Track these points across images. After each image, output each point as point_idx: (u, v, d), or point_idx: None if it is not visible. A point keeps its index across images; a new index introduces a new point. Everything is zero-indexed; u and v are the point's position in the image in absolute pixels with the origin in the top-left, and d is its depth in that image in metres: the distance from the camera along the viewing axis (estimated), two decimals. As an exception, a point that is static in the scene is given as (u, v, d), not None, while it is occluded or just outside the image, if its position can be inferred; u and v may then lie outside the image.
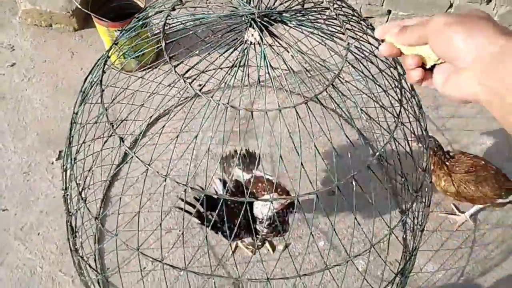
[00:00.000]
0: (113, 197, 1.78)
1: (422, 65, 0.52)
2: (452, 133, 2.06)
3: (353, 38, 0.90)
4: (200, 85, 1.91)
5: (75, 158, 1.18)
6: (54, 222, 1.72)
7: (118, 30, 2.02)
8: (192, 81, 0.86)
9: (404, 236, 1.70)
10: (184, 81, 0.79)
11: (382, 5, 2.41)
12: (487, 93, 0.44)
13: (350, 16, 1.01)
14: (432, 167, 1.55)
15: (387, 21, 2.46)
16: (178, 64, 0.83)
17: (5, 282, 1.57)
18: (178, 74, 0.80)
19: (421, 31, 0.49)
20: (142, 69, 2.02)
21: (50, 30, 2.45)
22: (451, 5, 2.31)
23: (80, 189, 1.00)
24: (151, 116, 1.94)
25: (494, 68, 0.43)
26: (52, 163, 1.89)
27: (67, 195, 1.10)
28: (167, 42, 0.84)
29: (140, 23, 0.98)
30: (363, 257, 1.66)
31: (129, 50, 1.76)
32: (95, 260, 1.54)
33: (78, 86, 1.20)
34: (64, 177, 1.15)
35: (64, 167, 1.13)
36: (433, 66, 0.51)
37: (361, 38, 0.92)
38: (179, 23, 0.94)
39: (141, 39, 1.31)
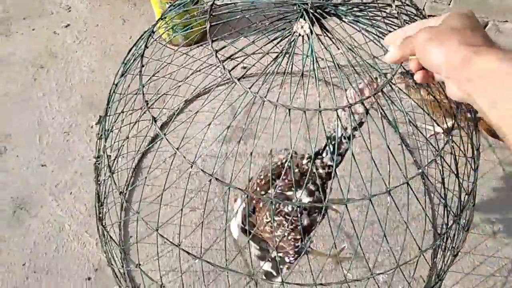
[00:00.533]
0: (144, 168, 1.81)
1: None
2: (504, 152, 1.90)
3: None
4: (244, 67, 1.86)
5: (111, 128, 1.19)
6: (86, 184, 1.77)
7: (170, 2, 2.00)
8: (234, 67, 0.82)
9: (434, 254, 1.61)
10: (224, 67, 0.75)
11: (449, 4, 2.23)
12: (467, 96, 0.49)
13: (413, 16, 0.92)
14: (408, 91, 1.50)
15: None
16: (220, 49, 0.79)
17: (36, 233, 1.66)
18: (219, 59, 0.77)
19: (411, 46, 0.55)
20: (188, 45, 2.01)
21: (105, -6, 2.49)
22: (526, 12, 2.10)
23: (110, 161, 1.00)
24: (191, 93, 1.94)
25: (464, 75, 0.48)
26: (92, 126, 1.95)
27: (99, 163, 1.11)
28: (212, 24, 0.80)
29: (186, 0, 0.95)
30: (385, 268, 1.59)
31: (178, 25, 1.75)
32: (119, 229, 1.58)
33: (125, 54, 1.20)
34: (98, 145, 1.17)
35: (100, 135, 1.14)
36: None
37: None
38: (229, 3, 0.90)
39: (190, 16, 1.29)
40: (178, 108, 0.95)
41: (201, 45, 1.02)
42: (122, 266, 1.28)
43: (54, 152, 1.88)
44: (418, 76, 0.59)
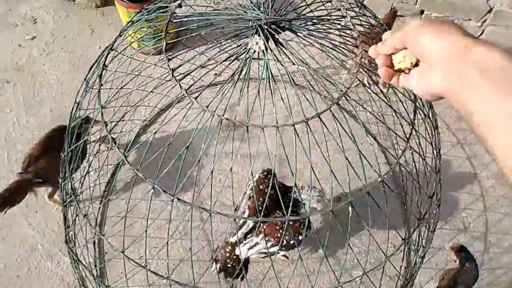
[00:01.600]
0: (118, 181, 1.78)
1: (397, 70, 0.60)
2: (473, 148, 1.95)
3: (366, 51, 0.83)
4: (216, 74, 1.86)
5: (81, 144, 1.17)
6: (60, 200, 1.74)
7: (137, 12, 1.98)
8: (192, 85, 0.81)
9: (407, 251, 1.64)
10: (180, 86, 0.75)
11: (416, 4, 2.27)
12: (450, 87, 0.49)
13: (368, 27, 0.94)
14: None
15: (417, 22, 2.33)
16: (177, 67, 0.79)
17: (7, 256, 1.61)
18: (175, 78, 0.76)
19: (399, 36, 0.56)
20: (159, 53, 1.99)
21: (72, 5, 2.44)
22: (490, 10, 2.16)
23: (73, 183, 0.98)
24: (151, 110, 1.92)
25: (456, 65, 0.48)
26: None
27: (64, 184, 1.09)
28: (168, 42, 0.80)
29: (145, 17, 0.94)
30: (361, 268, 1.61)
31: (147, 34, 1.72)
32: (94, 247, 1.55)
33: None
34: (63, 165, 1.14)
35: (64, 155, 1.12)
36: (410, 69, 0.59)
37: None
38: (186, 18, 0.89)
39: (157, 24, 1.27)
40: (137, 131, 0.93)
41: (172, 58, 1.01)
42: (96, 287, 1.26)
43: (23, 169, 1.83)
44: (381, 71, 0.60)
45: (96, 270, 1.39)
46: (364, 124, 0.80)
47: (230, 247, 1.23)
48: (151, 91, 0.82)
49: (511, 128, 0.43)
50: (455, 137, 2.00)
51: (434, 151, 0.99)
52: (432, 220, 1.06)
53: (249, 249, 1.19)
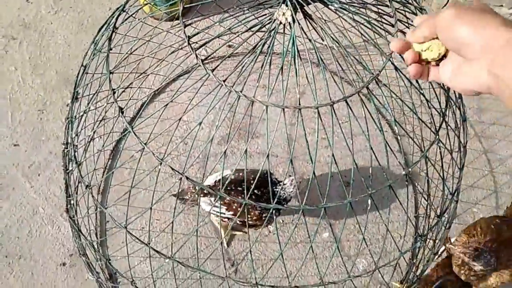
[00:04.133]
0: (124, 150, 1.74)
1: (422, 62, 0.54)
2: (490, 142, 1.88)
3: (403, 32, 0.75)
4: (230, 46, 1.77)
5: (87, 110, 1.11)
6: (61, 165, 1.70)
7: (151, -27, 1.87)
8: (207, 57, 0.75)
9: (414, 252, 1.61)
10: (196, 56, 0.68)
11: (445, -14, 2.15)
12: (498, 83, 0.45)
13: (405, 2, 0.86)
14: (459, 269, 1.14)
15: (445, 5, 2.21)
16: (193, 35, 0.72)
17: (8, 216, 1.59)
18: (191, 47, 0.69)
19: (431, 24, 0.51)
20: (171, 20, 1.90)
21: (83, -39, 2.32)
22: (523, -3, 2.03)
23: (77, 151, 0.94)
24: (172, 72, 1.85)
25: (503, 59, 0.44)
26: (67, 104, 1.85)
27: (67, 150, 1.05)
28: (185, 6, 0.72)
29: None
30: (366, 257, 1.58)
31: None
32: (95, 215, 1.53)
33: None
34: (67, 131, 1.09)
35: (68, 120, 1.06)
36: (440, 60, 0.53)
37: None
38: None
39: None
40: (148, 97, 0.87)
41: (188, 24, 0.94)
42: (95, 258, 1.23)
43: (27, 130, 1.79)
44: (412, 69, 0.54)
45: (97, 241, 1.37)
46: (391, 112, 0.73)
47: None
48: (162, 60, 0.76)
49: None
50: (473, 130, 1.92)
51: (460, 145, 0.93)
52: (448, 216, 1.01)
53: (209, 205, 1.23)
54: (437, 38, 0.51)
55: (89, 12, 2.14)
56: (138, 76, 1.55)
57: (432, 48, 0.52)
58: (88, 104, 1.15)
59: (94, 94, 1.13)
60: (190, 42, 0.73)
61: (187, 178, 0.72)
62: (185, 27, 0.70)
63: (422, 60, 0.54)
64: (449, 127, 0.85)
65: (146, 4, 1.88)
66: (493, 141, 1.88)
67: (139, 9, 1.10)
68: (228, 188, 1.11)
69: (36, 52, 2.00)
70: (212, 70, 0.69)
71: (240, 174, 1.18)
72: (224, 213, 1.21)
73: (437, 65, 0.54)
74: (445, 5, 2.22)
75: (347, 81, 1.80)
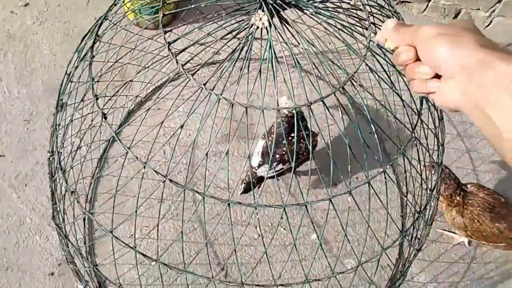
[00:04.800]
0: (111, 158, 1.74)
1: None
2: (473, 141, 1.93)
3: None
4: (214, 52, 1.79)
5: (71, 117, 1.12)
6: (48, 175, 1.70)
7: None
8: (188, 61, 0.77)
9: (401, 242, 1.63)
10: (176, 61, 0.70)
11: (424, -9, 2.20)
12: (469, 103, 0.46)
13: (378, 8, 0.89)
14: (442, 199, 1.46)
15: (425, 9, 2.27)
16: (173, 41, 0.74)
17: (-5, 228, 1.58)
18: (171, 52, 0.71)
19: (411, 39, 0.51)
20: (156, 27, 1.92)
21: (68, -28, 2.34)
22: (499, 0, 2.10)
23: (61, 159, 0.94)
24: (158, 80, 1.86)
25: (474, 79, 0.44)
26: (54, 114, 1.85)
27: (53, 158, 1.05)
28: (165, 14, 0.74)
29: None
30: (354, 258, 1.60)
31: (143, 6, 1.65)
32: (84, 223, 1.53)
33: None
34: (52, 138, 1.10)
35: (53, 128, 1.07)
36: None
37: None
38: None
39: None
40: (129, 108, 0.88)
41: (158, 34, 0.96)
42: (83, 265, 1.23)
43: (13, 141, 1.78)
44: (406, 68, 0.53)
45: (86, 248, 1.36)
46: (368, 111, 0.76)
47: (254, 170, 1.47)
48: (145, 67, 0.77)
49: None
50: (455, 130, 1.96)
51: (438, 144, 0.96)
52: (430, 213, 1.04)
53: (267, 170, 1.42)
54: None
55: (74, 22, 2.15)
56: (124, 84, 1.57)
57: None
58: (73, 112, 1.16)
59: (79, 102, 1.14)
60: (172, 49, 0.75)
61: (170, 180, 0.73)
62: (165, 33, 0.72)
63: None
64: (425, 126, 0.87)
65: (130, 12, 1.90)
66: (475, 140, 1.93)
67: (123, 17, 1.11)
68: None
69: (22, 63, 2.00)
70: (192, 74, 0.71)
71: (272, 135, 1.41)
72: (283, 168, 1.43)
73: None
74: (424, 10, 2.28)
75: (327, 83, 1.84)
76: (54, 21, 2.16)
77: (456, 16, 2.24)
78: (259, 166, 1.44)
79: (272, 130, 1.43)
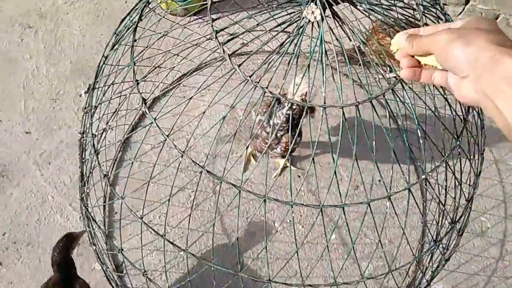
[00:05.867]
0: (134, 143, 1.74)
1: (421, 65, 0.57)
2: (501, 152, 1.88)
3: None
4: (243, 43, 1.77)
5: (101, 100, 1.12)
6: (72, 155, 1.71)
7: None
8: (235, 51, 0.75)
9: (428, 250, 1.60)
10: (223, 51, 0.68)
11: (463, -5, 2.14)
12: (483, 99, 0.47)
13: (430, 7, 0.86)
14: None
15: (461, 13, 2.20)
16: (222, 30, 0.72)
17: (18, 203, 1.60)
18: (219, 41, 0.70)
19: (427, 46, 0.54)
20: (188, 17, 1.90)
21: (101, -47, 2.33)
22: (540, 8, 2.02)
23: (95, 138, 0.94)
24: (187, 67, 1.85)
25: (485, 76, 0.46)
26: (81, 95, 1.86)
27: (84, 140, 1.05)
28: (213, 1, 0.73)
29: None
30: (372, 262, 1.58)
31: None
32: (104, 206, 1.53)
33: (118, 20, 1.11)
34: (84, 120, 1.10)
35: (86, 109, 1.07)
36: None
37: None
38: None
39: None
40: (163, 90, 0.87)
41: (201, 18, 0.95)
42: (107, 247, 1.24)
43: (40, 119, 1.80)
44: (408, 72, 0.58)
45: (106, 232, 1.37)
46: (415, 115, 0.73)
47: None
48: (186, 54, 0.76)
49: None
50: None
51: (478, 152, 0.93)
52: (462, 224, 1.01)
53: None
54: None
55: (106, 4, 2.15)
56: (152, 70, 1.56)
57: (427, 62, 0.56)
58: (104, 95, 1.15)
59: (110, 85, 1.13)
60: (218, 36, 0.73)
61: (208, 172, 0.72)
62: (213, 21, 0.71)
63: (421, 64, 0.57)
64: (470, 134, 0.84)
65: (164, 1, 1.89)
66: (504, 151, 1.87)
67: (159, 4, 1.10)
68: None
69: (51, 42, 2.02)
70: (239, 65, 0.69)
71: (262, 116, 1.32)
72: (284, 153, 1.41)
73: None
74: (460, 14, 2.21)
75: (359, 84, 1.81)
76: (85, 2, 2.16)
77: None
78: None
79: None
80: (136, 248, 1.41)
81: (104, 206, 1.49)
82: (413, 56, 0.57)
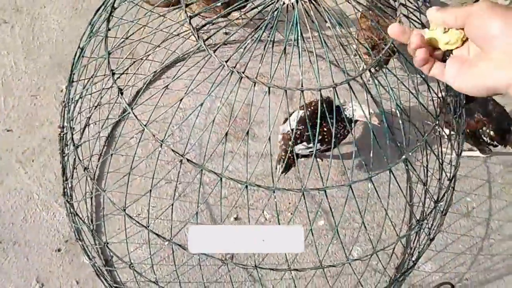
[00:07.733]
0: (119, 137, 1.72)
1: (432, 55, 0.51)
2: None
3: (406, 16, 0.75)
4: (226, 33, 1.75)
5: (81, 94, 1.10)
6: (55, 151, 1.68)
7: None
8: (210, 36, 0.74)
9: (411, 231, 1.62)
10: (197, 37, 0.67)
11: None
12: None
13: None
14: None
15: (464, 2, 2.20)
16: (195, 15, 0.71)
17: (2, 203, 1.57)
18: (192, 27, 0.68)
19: (462, 11, 0.48)
20: (167, 6, 1.87)
21: None
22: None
23: (74, 134, 0.92)
24: (167, 58, 1.83)
25: None
26: (62, 90, 1.82)
27: (64, 134, 1.03)
28: (186, -14, 0.71)
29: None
30: (361, 245, 1.60)
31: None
32: (91, 200, 1.52)
33: (98, 12, 1.09)
34: (63, 114, 1.08)
35: (64, 103, 1.05)
36: (446, 58, 0.51)
37: (414, 19, 0.77)
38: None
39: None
40: (145, 83, 0.86)
41: (178, 8, 0.93)
42: (93, 242, 1.23)
43: (21, 116, 1.76)
44: (420, 54, 0.50)
45: (93, 226, 1.36)
46: (395, 97, 0.73)
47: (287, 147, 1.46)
48: (158, 45, 0.74)
49: None
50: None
51: (458, 133, 0.94)
52: (445, 203, 1.02)
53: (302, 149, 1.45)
54: (457, 29, 0.49)
55: (84, -4, 2.10)
56: (133, 62, 1.53)
57: (450, 37, 0.49)
58: (84, 88, 1.13)
59: (90, 77, 1.11)
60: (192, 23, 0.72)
61: (188, 160, 0.71)
62: (186, 6, 0.69)
63: (434, 48, 0.51)
64: (448, 112, 0.85)
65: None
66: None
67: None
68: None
69: (29, 37, 1.97)
70: (214, 51, 0.68)
71: (309, 110, 1.37)
72: (322, 146, 1.43)
73: (443, 60, 0.51)
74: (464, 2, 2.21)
75: (336, 65, 1.80)
76: (63, -5, 2.11)
77: None
78: (296, 141, 1.42)
79: (313, 103, 1.39)
80: (125, 242, 1.40)
81: (90, 200, 1.47)
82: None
